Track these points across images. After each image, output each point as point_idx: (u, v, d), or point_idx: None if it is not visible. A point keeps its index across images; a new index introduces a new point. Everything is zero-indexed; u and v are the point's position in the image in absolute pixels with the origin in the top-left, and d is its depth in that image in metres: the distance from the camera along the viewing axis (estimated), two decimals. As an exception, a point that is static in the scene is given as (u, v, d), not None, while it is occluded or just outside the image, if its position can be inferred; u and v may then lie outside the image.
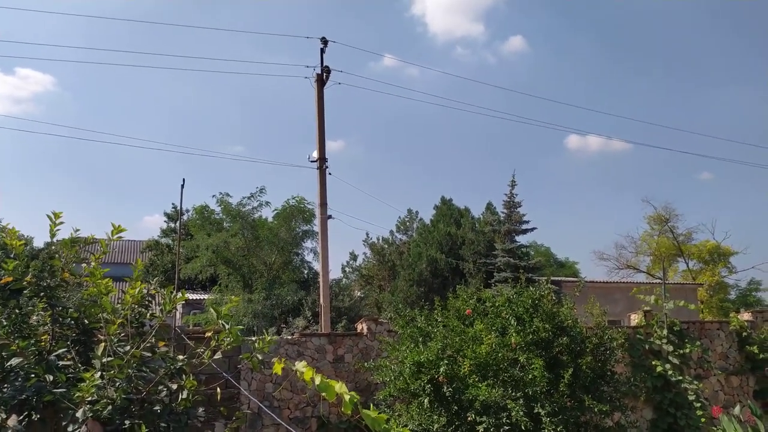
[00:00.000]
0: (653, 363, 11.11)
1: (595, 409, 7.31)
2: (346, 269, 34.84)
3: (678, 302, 11.60)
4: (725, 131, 63.97)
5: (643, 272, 40.83)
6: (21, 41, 47.94)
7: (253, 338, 5.13)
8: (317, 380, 2.61)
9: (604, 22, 65.74)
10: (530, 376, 7.06)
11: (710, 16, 63.70)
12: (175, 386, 4.60)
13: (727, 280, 39.39)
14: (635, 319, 12.31)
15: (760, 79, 61.46)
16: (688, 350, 11.29)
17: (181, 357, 4.86)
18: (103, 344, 4.49)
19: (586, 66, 67.37)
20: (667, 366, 11.04)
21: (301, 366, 2.79)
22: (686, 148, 69.44)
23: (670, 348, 11.23)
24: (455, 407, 7.28)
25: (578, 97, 68.16)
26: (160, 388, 4.59)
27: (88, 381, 4.01)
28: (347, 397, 2.50)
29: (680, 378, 10.94)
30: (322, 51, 15.94)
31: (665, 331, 11.37)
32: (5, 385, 4.37)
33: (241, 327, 4.76)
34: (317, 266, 21.91)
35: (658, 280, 30.24)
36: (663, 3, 62.67)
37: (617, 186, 69.83)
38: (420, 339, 8.13)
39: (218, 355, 4.67)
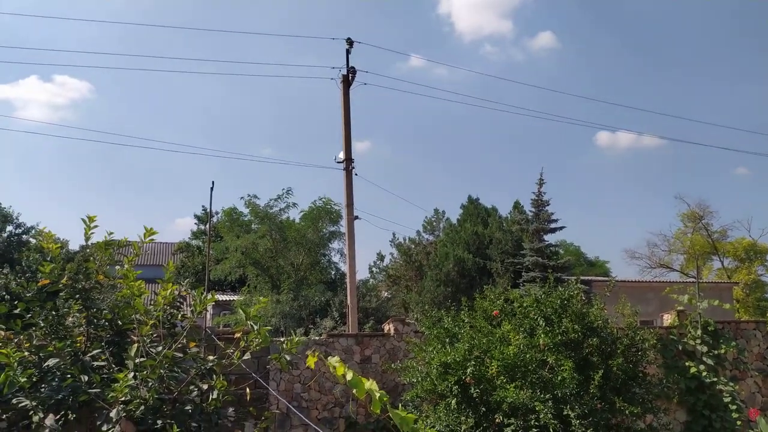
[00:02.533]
0: (687, 364, 10.87)
1: (627, 411, 7.19)
2: (373, 270, 34.92)
3: (712, 301, 11.33)
4: (761, 126, 62.21)
5: (677, 271, 39.96)
6: (58, 49, 49.31)
7: (282, 339, 5.19)
8: (349, 375, 2.61)
9: (633, 16, 64.53)
10: (559, 378, 6.98)
11: (742, 9, 62.02)
12: (205, 386, 4.69)
13: (764, 279, 38.31)
14: (668, 319, 12.06)
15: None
16: (723, 351, 11.01)
17: (211, 357, 4.95)
18: (136, 345, 4.60)
19: (616, 61, 66.26)
20: (702, 367, 10.78)
21: (334, 361, 2.80)
22: (720, 143, 67.73)
23: (705, 349, 10.97)
24: (483, 409, 7.24)
25: (608, 93, 67.10)
26: (191, 388, 4.68)
27: (121, 381, 4.11)
28: (377, 395, 2.50)
29: (715, 379, 10.68)
30: (348, 52, 16.03)
31: (699, 332, 11.11)
32: (43, 385, 4.51)
33: (269, 328, 4.82)
34: (344, 267, 22.01)
35: (691, 279, 29.55)
36: (694, -5, 61.24)
37: (649, 183, 68.55)
38: (447, 340, 8.10)
39: (247, 356, 4.74)
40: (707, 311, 11.33)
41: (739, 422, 10.29)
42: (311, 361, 3.43)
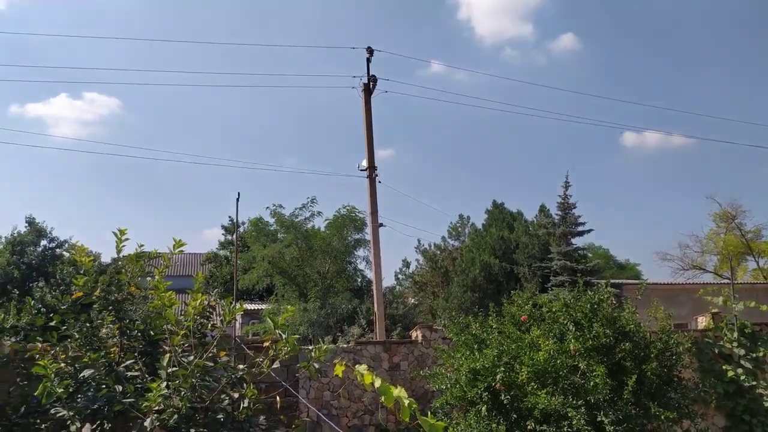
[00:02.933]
0: (724, 368, 10.59)
1: (662, 417, 7.03)
2: (399, 276, 34.85)
3: (749, 303, 11.02)
4: (794, 121, 60.49)
5: (710, 272, 39.00)
6: (87, 67, 50.63)
7: (310, 347, 5.21)
8: (377, 383, 2.61)
9: (654, 15, 63.55)
10: (591, 384, 6.86)
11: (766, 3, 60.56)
12: (236, 395, 4.72)
13: (802, 278, 37.14)
14: (703, 322, 11.77)
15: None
16: (761, 353, 10.70)
17: (241, 366, 4.99)
18: (168, 355, 4.67)
19: (639, 60, 65.29)
20: (739, 371, 10.49)
21: (362, 369, 2.80)
22: (750, 141, 66.13)
23: (742, 351, 10.67)
24: (514, 415, 7.16)
25: (633, 93, 66.08)
26: (222, 396, 4.72)
27: (155, 391, 4.17)
28: (406, 402, 2.49)
29: (754, 383, 10.38)
30: (368, 61, 16.14)
31: (736, 334, 10.82)
32: (79, 396, 4.61)
33: (297, 336, 4.85)
34: (370, 274, 22.08)
35: (726, 281, 28.82)
36: (720, -9, 60.10)
37: (678, 183, 67.21)
38: (475, 346, 8.03)
39: (276, 364, 4.77)
40: (743, 313, 11.04)
41: (781, 427, 9.97)
42: (339, 370, 3.43)
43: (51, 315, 5.42)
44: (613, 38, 65.41)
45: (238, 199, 9.44)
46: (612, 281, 14.89)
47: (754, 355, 10.67)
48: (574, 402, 6.82)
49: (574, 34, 64.82)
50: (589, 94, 66.70)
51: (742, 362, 10.61)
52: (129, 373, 4.82)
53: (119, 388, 4.49)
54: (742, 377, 10.43)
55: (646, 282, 24.69)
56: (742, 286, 24.85)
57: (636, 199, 66.80)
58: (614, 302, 8.14)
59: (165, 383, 4.33)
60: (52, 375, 4.38)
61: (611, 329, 7.50)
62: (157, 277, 5.06)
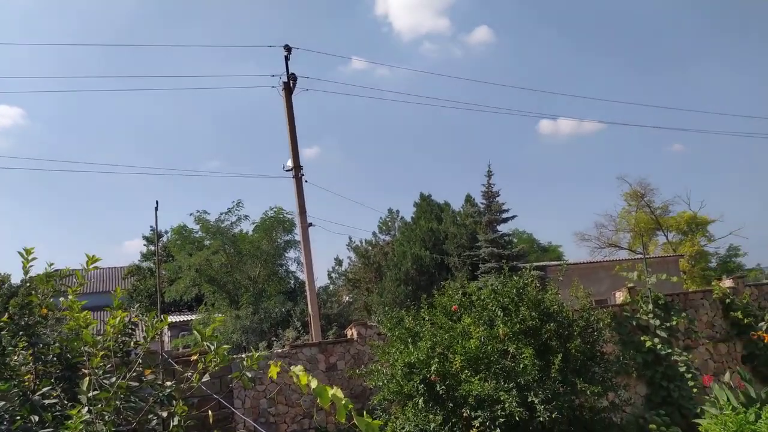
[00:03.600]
0: (642, 339, 11.25)
1: (588, 392, 7.37)
2: (333, 275, 34.70)
3: (660, 276, 11.78)
4: (691, 103, 65.15)
5: (625, 249, 41.41)
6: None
7: (243, 356, 5.09)
8: (314, 384, 2.58)
9: (566, 6, 66.51)
10: (521, 366, 7.10)
11: (666, -7, 64.83)
12: (165, 413, 4.54)
13: (707, 249, 40.12)
14: (620, 296, 12.46)
15: (723, 50, 62.71)
16: (674, 322, 11.46)
17: (169, 383, 4.79)
18: (88, 378, 4.42)
19: (552, 51, 68.12)
20: (656, 340, 11.19)
21: (297, 369, 2.75)
22: (655, 123, 70.56)
23: (657, 322, 11.38)
24: (450, 404, 7.30)
25: (547, 83, 68.91)
26: (150, 417, 4.52)
27: (75, 417, 3.93)
28: (342, 402, 2.47)
29: (670, 351, 11.10)
30: (287, 59, 15.91)
31: (651, 306, 11.53)
32: (-10, 431, 4.28)
33: (227, 346, 4.71)
34: (302, 276, 21.84)
35: (639, 256, 30.67)
36: (619, -17, 63.63)
37: (592, 166, 70.75)
38: (409, 339, 8.13)
39: (206, 378, 4.61)
40: (656, 285, 11.78)
41: (695, 390, 10.73)
42: (273, 372, 3.37)
43: (-47, 346, 4.99)
44: (524, 29, 67.89)
45: (156, 208, 9.03)
46: (536, 264, 15.49)
47: (668, 324, 11.41)
48: (506, 385, 7.04)
49: (489, 27, 66.75)
50: (505, 84, 69.00)
51: (658, 332, 11.32)
52: (46, 402, 4.52)
53: (35, 418, 4.20)
54: (659, 346, 11.13)
55: (566, 263, 25.84)
56: (653, 260, 26.55)
57: (555, 184, 69.87)
58: (539, 285, 8.45)
59: (86, 408, 4.09)
60: (-42, 411, 4.04)
61: (537, 311, 7.78)
62: (70, 296, 4.77)
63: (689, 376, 10.88)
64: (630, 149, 66.28)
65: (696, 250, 37.88)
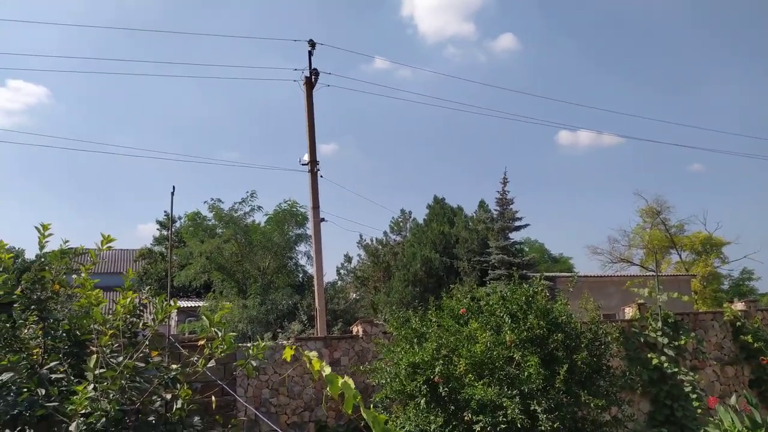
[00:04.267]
0: (649, 356, 11.15)
1: (592, 404, 7.32)
2: (341, 271, 34.78)
3: (671, 294, 11.67)
4: (714, 123, 64.43)
5: (637, 265, 41.01)
6: (13, 52, 47.65)
7: (248, 345, 5.11)
8: (327, 370, 2.57)
9: (592, 18, 66.05)
10: (526, 374, 7.06)
11: (696, 12, 64.15)
12: (169, 396, 4.57)
13: (720, 271, 39.66)
14: (629, 312, 12.35)
15: (744, 71, 61.93)
16: (683, 342, 11.34)
17: (174, 366, 4.82)
18: (95, 356, 4.46)
19: (576, 62, 67.68)
20: (663, 358, 11.08)
21: (312, 354, 2.75)
22: (676, 141, 69.89)
23: (665, 340, 11.27)
24: (452, 407, 7.28)
25: (568, 93, 68.53)
26: (154, 398, 4.56)
27: (80, 393, 3.98)
28: (352, 392, 2.47)
29: (676, 370, 10.99)
30: (310, 54, 15.97)
31: (660, 324, 11.42)
32: (-3, 401, 4.33)
33: (234, 334, 4.74)
34: (311, 270, 21.89)
35: (651, 273, 30.37)
36: (647, 1, 63.09)
37: (609, 180, 70.23)
38: (415, 340, 8.12)
39: (212, 363, 4.64)
40: (667, 303, 11.66)
41: (699, 410, 10.61)
42: (288, 354, 3.36)
43: (-34, 316, 5.07)
44: (550, 40, 67.50)
45: (173, 193, 9.08)
46: (546, 274, 15.39)
47: (676, 343, 11.30)
48: (509, 392, 7.00)
49: (514, 35, 66.44)
50: (526, 92, 68.61)
51: (666, 350, 11.21)
52: (53, 376, 4.57)
53: (42, 391, 4.26)
54: (666, 365, 11.02)
55: (577, 275, 25.69)
56: (665, 278, 26.27)
57: (570, 195, 69.45)
58: (548, 295, 8.41)
59: (92, 385, 4.13)
60: (-33, 380, 4.10)
61: (545, 321, 7.74)
62: (83, 274, 4.82)
63: (694, 396, 10.76)
64: (648, 165, 65.73)
65: (709, 271, 37.44)
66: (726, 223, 74.58)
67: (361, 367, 8.96)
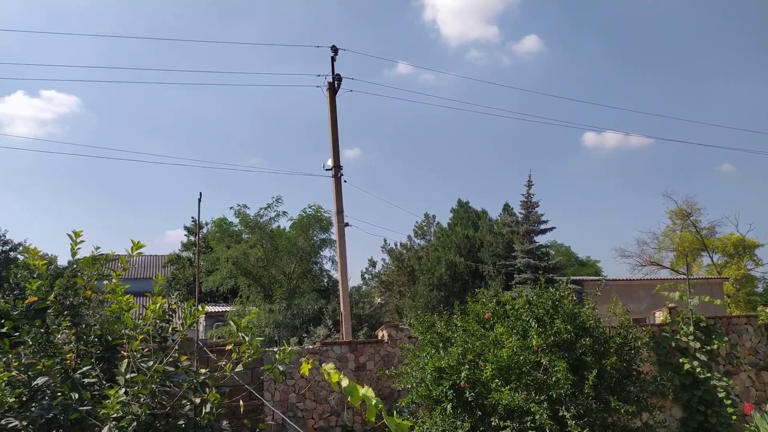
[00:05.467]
0: (680, 361, 10.91)
1: (622, 410, 7.19)
2: (366, 276, 34.85)
3: (703, 298, 11.39)
4: (744, 122, 62.91)
5: (667, 268, 40.19)
6: (46, 63, 48.95)
7: (275, 349, 5.16)
8: (344, 383, 2.59)
9: (616, 18, 65.17)
10: (554, 379, 6.97)
11: (723, 10, 62.82)
12: (198, 400, 4.64)
13: (754, 273, 38.63)
14: (660, 316, 12.11)
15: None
16: (715, 346, 11.07)
17: (203, 371, 4.89)
18: (126, 360, 4.55)
19: (601, 62, 66.81)
20: (695, 363, 10.83)
21: (329, 367, 2.77)
22: (705, 141, 68.42)
23: (698, 345, 11.02)
24: (479, 412, 7.22)
25: (594, 94, 67.61)
26: (183, 402, 4.63)
27: (112, 398, 4.06)
28: (373, 402, 2.47)
29: (709, 375, 10.73)
30: (333, 59, 16.08)
31: (691, 328, 11.17)
32: (33, 404, 4.45)
33: (261, 338, 4.79)
34: (336, 274, 21.95)
35: (682, 276, 29.76)
36: (675, -5, 62.02)
37: (637, 182, 69.05)
38: (440, 344, 8.08)
39: (239, 368, 4.70)
40: (698, 307, 11.40)
41: (734, 417, 10.34)
42: (305, 368, 3.40)
43: (3, 321, 5.21)
44: (574, 41, 66.79)
45: (200, 200, 9.26)
46: (573, 278, 15.20)
47: (708, 348, 11.03)
48: (537, 397, 6.92)
49: (538, 36, 65.92)
50: (551, 94, 67.97)
51: (698, 355, 10.95)
52: (86, 380, 4.67)
53: (75, 395, 4.35)
54: (698, 370, 10.77)
55: (605, 278, 25.27)
56: (697, 281, 25.71)
57: (596, 198, 68.43)
58: (575, 299, 8.29)
59: (123, 389, 4.22)
60: (4, 384, 4.21)
61: (572, 325, 7.63)
62: (114, 280, 4.92)
63: (728, 402, 10.49)
64: (677, 167, 64.47)
65: (742, 273, 36.51)
66: (759, 224, 72.56)
67: (387, 371, 8.95)
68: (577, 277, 27.10)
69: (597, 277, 30.69)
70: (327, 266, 28.51)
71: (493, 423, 7.00)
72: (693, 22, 63.33)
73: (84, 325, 5.08)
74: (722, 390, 10.59)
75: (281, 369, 4.81)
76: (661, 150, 72.86)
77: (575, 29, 66.78)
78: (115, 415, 4.12)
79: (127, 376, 4.35)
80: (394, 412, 2.86)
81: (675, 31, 64.04)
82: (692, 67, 64.63)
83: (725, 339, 11.25)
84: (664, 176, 67.46)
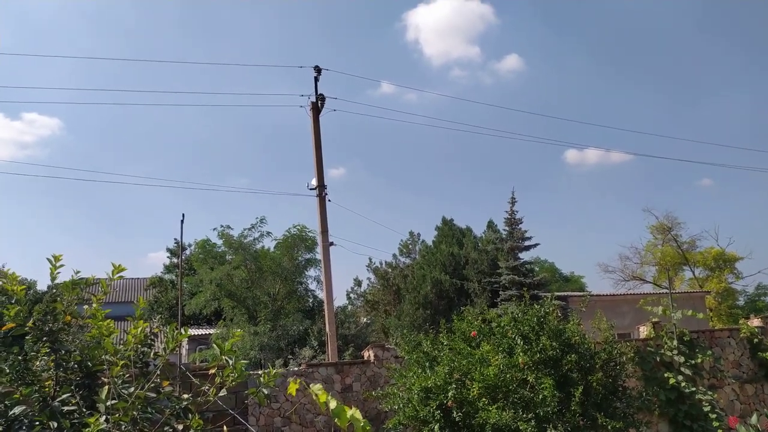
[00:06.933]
0: (665, 375, 10.97)
1: (609, 427, 7.19)
2: (351, 296, 34.68)
3: (686, 311, 11.50)
4: (722, 137, 64.27)
5: (650, 283, 40.57)
6: (26, 86, 48.61)
7: (259, 372, 5.08)
8: (332, 404, 2.56)
9: (596, 36, 66.53)
10: (540, 397, 6.96)
11: (703, 27, 64.50)
12: (181, 426, 4.53)
13: (735, 286, 39.13)
14: (644, 331, 12.19)
15: (753, 83, 61.92)
16: (699, 360, 11.15)
17: (186, 396, 4.79)
18: (107, 387, 4.44)
19: (582, 80, 67.99)
20: (680, 377, 10.89)
21: (317, 388, 2.74)
22: (684, 156, 69.67)
23: (682, 359, 11.09)
24: (466, 432, 7.18)
25: (575, 112, 68.68)
26: (166, 429, 4.52)
27: (92, 426, 3.96)
28: (361, 424, 2.45)
29: (694, 389, 10.79)
30: (316, 79, 16.18)
31: (675, 342, 11.25)
32: (9, 435, 4.32)
33: (245, 362, 4.72)
34: (321, 294, 21.84)
35: (664, 290, 30.03)
36: (651, 16, 63.54)
37: (618, 197, 69.94)
38: (427, 364, 8.04)
39: (223, 392, 4.60)
40: (682, 321, 11.50)
41: (720, 430, 10.38)
42: (293, 388, 3.35)
43: (-21, 349, 5.08)
44: (555, 59, 67.95)
45: (182, 221, 9.20)
46: (558, 294, 15.27)
47: (693, 361, 11.11)
48: (525, 415, 6.90)
49: (519, 55, 66.96)
50: (533, 112, 68.88)
51: (683, 369, 11.02)
52: (65, 408, 4.55)
53: (54, 424, 4.24)
54: (683, 384, 10.82)
55: (589, 294, 25.42)
56: (679, 295, 25.94)
57: (579, 214, 69.13)
58: (560, 315, 8.33)
59: (104, 417, 4.11)
60: (-21, 414, 4.09)
61: (558, 342, 7.65)
62: (94, 304, 4.83)
63: (714, 416, 10.54)
64: (657, 182, 65.47)
65: (723, 287, 36.96)
66: (738, 238, 73.65)
67: (374, 392, 8.87)
68: (562, 293, 27.22)
69: (581, 293, 30.86)
70: (312, 286, 28.33)
71: (481, 443, 6.96)
72: (673, 39, 64.88)
73: (63, 352, 4.97)
74: (707, 404, 10.65)
75: (266, 392, 4.74)
76: (642, 165, 74.08)
77: (555, 48, 68.03)
78: (95, 444, 4.02)
79: (108, 403, 4.25)
80: (381, 435, 2.83)
81: (655, 47, 65.53)
82: (670, 83, 66.06)
83: (709, 353, 11.34)
84: (645, 191, 68.48)
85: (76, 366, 5.02)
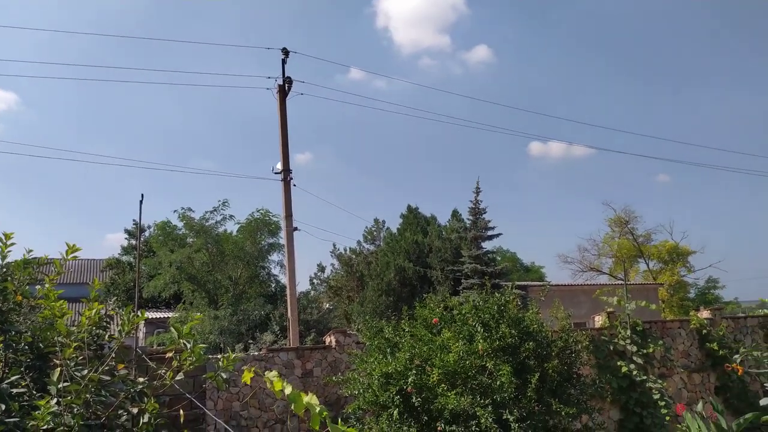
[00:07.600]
0: (618, 364, 11.31)
1: (563, 413, 7.38)
2: (314, 281, 34.60)
3: (640, 302, 11.86)
4: (679, 134, 66.19)
5: (606, 274, 41.69)
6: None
7: (218, 356, 5.02)
8: (287, 390, 2.54)
9: (566, 30, 67.38)
10: (498, 383, 7.09)
11: (671, 19, 65.97)
12: (136, 410, 4.45)
13: (687, 279, 40.56)
14: (599, 320, 12.53)
15: (712, 81, 63.82)
16: (651, 350, 11.53)
17: (141, 379, 4.71)
18: (58, 369, 4.33)
19: (550, 73, 68.89)
20: (632, 366, 11.25)
21: (272, 375, 2.72)
22: (643, 152, 71.58)
23: (634, 348, 11.45)
24: (425, 417, 7.26)
25: (541, 104, 69.69)
26: (120, 412, 4.44)
27: (43, 408, 3.85)
28: (317, 409, 2.44)
29: (645, 377, 11.16)
30: (284, 62, 15.94)
31: (629, 332, 11.60)
32: (-46, 417, 4.17)
33: (204, 345, 4.65)
34: (284, 279, 21.69)
35: (620, 282, 30.90)
36: (620, 11, 64.67)
37: (579, 190, 71.48)
38: (388, 350, 8.09)
39: (180, 376, 4.54)
40: (635, 312, 11.85)
41: (668, 418, 10.78)
42: (247, 377, 3.32)
43: None
44: (523, 51, 68.60)
45: (141, 201, 8.92)
46: (518, 283, 15.54)
47: (644, 351, 11.49)
48: (482, 401, 7.02)
49: (488, 46, 67.33)
50: (500, 104, 69.60)
51: (635, 358, 11.38)
52: (14, 390, 4.41)
53: (2, 406, 4.11)
54: (635, 372, 11.19)
55: (549, 284, 25.98)
56: (634, 286, 26.77)
57: (541, 205, 70.45)
58: (519, 303, 8.47)
59: (55, 400, 4.00)
60: None
61: (516, 329, 7.79)
62: (47, 285, 4.68)
63: (662, 404, 10.93)
64: (617, 176, 67.15)
65: (676, 279, 38.27)
66: (692, 232, 76.35)
67: (334, 377, 8.89)
68: (522, 283, 27.75)
69: (541, 283, 31.51)
70: (275, 271, 28.11)
71: (438, 428, 7.05)
72: (643, 35, 66.24)
73: (13, 332, 4.80)
74: (657, 392, 11.04)
75: (225, 377, 4.68)
76: (603, 160, 75.76)
77: (525, 40, 68.67)
78: (45, 427, 3.91)
79: (60, 386, 4.14)
80: (339, 420, 2.83)
81: (625, 42, 66.81)
82: (642, 79, 67.60)
83: (660, 342, 11.74)
84: (604, 185, 70.13)
85: (26, 347, 4.87)
